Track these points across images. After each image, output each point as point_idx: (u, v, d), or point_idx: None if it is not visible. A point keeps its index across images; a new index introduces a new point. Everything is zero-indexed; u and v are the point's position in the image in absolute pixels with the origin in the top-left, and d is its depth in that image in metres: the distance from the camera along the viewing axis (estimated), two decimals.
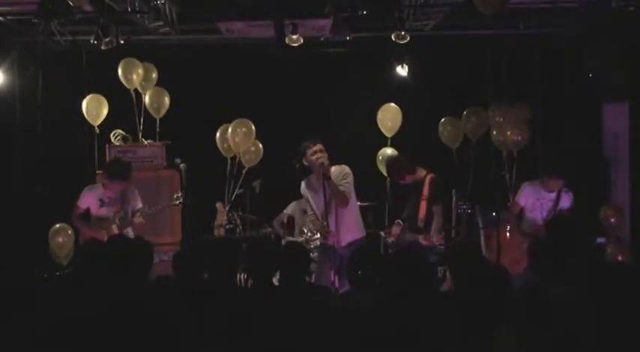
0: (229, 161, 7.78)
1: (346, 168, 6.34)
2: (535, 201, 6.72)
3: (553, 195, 6.68)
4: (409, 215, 6.84)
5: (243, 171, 7.82)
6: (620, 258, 6.99)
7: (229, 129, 7.72)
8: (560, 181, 6.62)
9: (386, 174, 7.72)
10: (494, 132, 7.59)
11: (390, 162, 7.02)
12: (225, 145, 7.80)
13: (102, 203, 6.79)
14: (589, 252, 4.35)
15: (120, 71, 7.80)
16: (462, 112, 8.02)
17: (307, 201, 6.50)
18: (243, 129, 7.69)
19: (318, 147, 6.19)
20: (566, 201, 6.66)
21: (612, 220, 7.30)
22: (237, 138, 7.69)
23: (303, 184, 6.49)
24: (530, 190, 6.77)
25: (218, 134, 7.84)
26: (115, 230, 6.69)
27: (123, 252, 4.38)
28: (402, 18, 6.78)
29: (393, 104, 8.18)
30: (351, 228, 6.36)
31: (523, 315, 3.40)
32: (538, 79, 7.55)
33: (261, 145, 7.93)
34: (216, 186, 7.84)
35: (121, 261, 4.27)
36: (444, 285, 5.59)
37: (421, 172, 6.75)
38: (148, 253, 4.48)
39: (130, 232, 6.84)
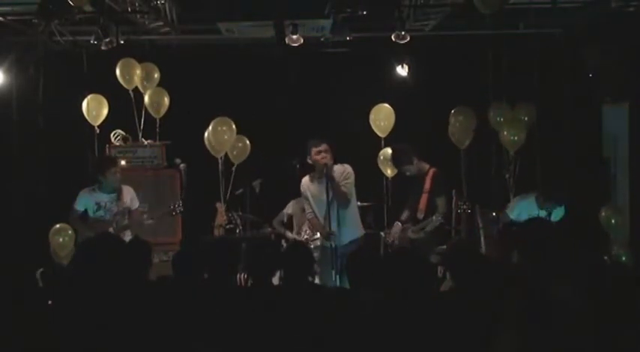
0: (219, 160, 7.77)
1: (348, 168, 6.42)
2: (527, 217, 6.65)
3: (544, 212, 6.63)
4: (410, 207, 6.89)
5: (233, 169, 7.80)
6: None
7: (210, 129, 7.69)
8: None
9: (390, 166, 7.77)
10: (505, 133, 7.59)
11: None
12: (214, 145, 7.80)
13: (98, 207, 6.73)
14: (588, 252, 4.34)
15: (118, 71, 7.79)
16: None
17: (306, 198, 6.53)
18: (223, 128, 7.66)
19: (323, 147, 6.28)
20: (558, 214, 6.61)
21: (613, 221, 7.27)
22: (220, 137, 7.67)
23: (304, 181, 6.53)
24: (524, 206, 6.62)
25: (206, 134, 7.82)
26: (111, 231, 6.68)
27: (120, 252, 4.36)
28: (402, 18, 6.78)
29: (386, 104, 8.15)
30: (351, 227, 6.43)
31: (523, 315, 3.40)
32: (538, 79, 7.55)
33: (248, 141, 7.90)
34: (216, 186, 7.84)
35: (119, 260, 4.25)
36: (443, 285, 5.59)
37: (424, 165, 6.82)
38: (146, 253, 4.46)
39: (127, 235, 6.79)
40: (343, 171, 6.39)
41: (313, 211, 6.49)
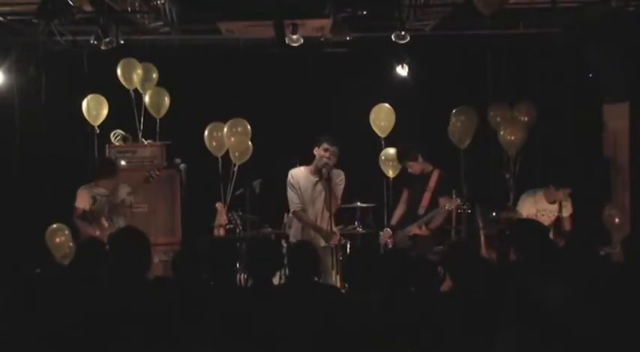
0: (220, 160, 7.79)
1: (342, 174, 6.47)
2: (536, 212, 6.69)
3: (555, 206, 6.68)
4: (411, 203, 6.92)
5: (234, 169, 7.82)
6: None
7: (224, 130, 7.72)
8: (568, 191, 6.61)
9: (391, 167, 7.80)
10: (503, 133, 7.59)
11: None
12: (215, 144, 7.81)
13: (94, 200, 6.84)
14: (586, 252, 4.32)
15: (119, 71, 7.80)
16: None
17: (293, 189, 6.48)
18: (239, 129, 7.70)
19: (334, 149, 6.31)
20: (567, 209, 6.66)
21: (617, 220, 7.26)
22: (234, 138, 7.70)
23: (294, 172, 6.50)
24: (531, 202, 6.72)
25: (206, 132, 7.83)
26: (104, 222, 6.73)
27: (120, 252, 4.34)
28: (402, 18, 6.79)
29: (386, 104, 8.16)
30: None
31: (522, 315, 3.40)
32: (538, 79, 7.55)
33: (250, 143, 7.92)
34: (216, 186, 7.84)
35: (119, 261, 4.23)
36: (444, 285, 5.59)
37: (428, 166, 6.85)
38: (145, 241, 4.39)
39: (121, 223, 6.85)
40: (337, 175, 6.47)
41: (301, 203, 6.48)
